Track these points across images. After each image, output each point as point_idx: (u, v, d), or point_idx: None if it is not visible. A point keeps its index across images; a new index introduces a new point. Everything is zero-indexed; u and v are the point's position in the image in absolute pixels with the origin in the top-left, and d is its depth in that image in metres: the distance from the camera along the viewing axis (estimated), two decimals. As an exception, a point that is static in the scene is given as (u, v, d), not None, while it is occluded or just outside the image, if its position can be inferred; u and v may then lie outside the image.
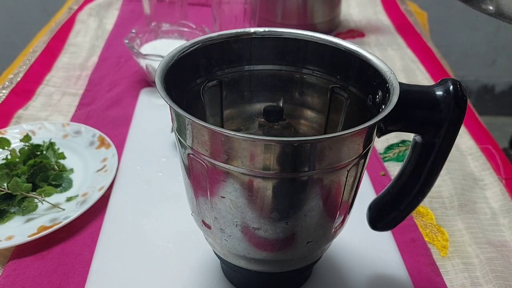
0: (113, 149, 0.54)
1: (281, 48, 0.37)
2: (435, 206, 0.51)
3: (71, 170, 0.53)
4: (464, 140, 0.61)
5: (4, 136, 0.56)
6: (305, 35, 0.36)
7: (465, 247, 0.46)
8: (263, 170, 0.27)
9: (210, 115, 0.38)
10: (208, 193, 0.31)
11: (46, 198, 0.48)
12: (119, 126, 0.61)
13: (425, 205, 0.51)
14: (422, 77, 0.75)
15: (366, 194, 0.50)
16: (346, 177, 0.30)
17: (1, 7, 1.72)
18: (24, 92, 0.69)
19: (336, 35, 0.73)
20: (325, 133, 0.39)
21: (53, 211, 0.47)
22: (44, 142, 0.54)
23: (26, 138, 0.54)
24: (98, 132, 0.57)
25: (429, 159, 0.33)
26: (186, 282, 0.41)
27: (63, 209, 0.47)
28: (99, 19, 0.93)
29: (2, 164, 0.50)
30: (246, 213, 0.30)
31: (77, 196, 0.49)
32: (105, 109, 0.65)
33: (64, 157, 0.54)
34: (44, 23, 0.96)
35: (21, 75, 0.72)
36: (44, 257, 0.43)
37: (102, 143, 0.56)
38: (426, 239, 0.47)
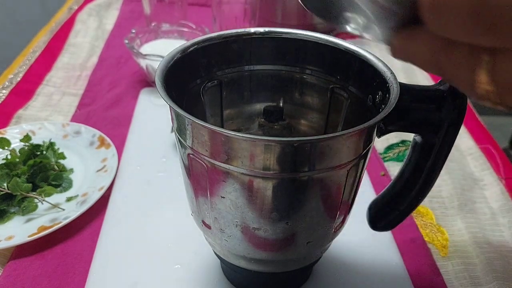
0: (113, 149, 0.54)
1: (281, 48, 0.37)
2: (435, 206, 0.51)
3: (71, 170, 0.53)
4: (464, 140, 0.61)
5: (4, 136, 0.56)
6: (305, 35, 0.36)
7: (465, 247, 0.46)
8: (263, 170, 0.27)
9: (210, 115, 0.38)
10: (208, 193, 0.30)
11: (46, 198, 0.48)
12: (119, 126, 0.61)
13: (425, 205, 0.51)
14: (422, 77, 0.75)
15: (366, 194, 0.50)
16: (346, 177, 0.30)
17: (1, 7, 1.72)
18: (24, 92, 0.69)
19: (336, 35, 0.73)
20: (325, 133, 0.39)
21: (53, 211, 0.47)
22: (44, 142, 0.54)
23: (26, 138, 0.54)
24: (98, 132, 0.57)
25: (429, 159, 0.33)
26: (186, 282, 0.41)
27: (63, 209, 0.47)
28: (99, 19, 0.93)
29: (2, 164, 0.50)
30: (246, 213, 0.30)
31: (77, 196, 0.49)
32: (105, 109, 0.65)
33: (64, 157, 0.54)
34: (44, 23, 0.96)
35: (21, 75, 0.72)
36: (44, 257, 0.43)
37: (102, 143, 0.56)
38: (426, 239, 0.47)
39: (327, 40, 0.36)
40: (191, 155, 0.30)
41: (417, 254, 0.45)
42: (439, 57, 0.18)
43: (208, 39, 0.35)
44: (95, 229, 0.46)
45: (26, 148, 0.52)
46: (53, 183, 0.50)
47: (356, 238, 0.45)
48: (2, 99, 0.66)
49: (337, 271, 0.42)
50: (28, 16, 1.72)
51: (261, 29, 0.37)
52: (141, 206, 0.49)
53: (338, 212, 0.32)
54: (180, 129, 0.30)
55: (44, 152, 0.53)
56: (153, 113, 0.64)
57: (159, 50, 0.69)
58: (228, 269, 0.40)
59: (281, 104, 0.40)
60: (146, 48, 0.71)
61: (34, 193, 0.48)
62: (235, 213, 0.30)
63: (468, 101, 0.32)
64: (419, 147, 0.33)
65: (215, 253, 0.38)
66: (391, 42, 0.20)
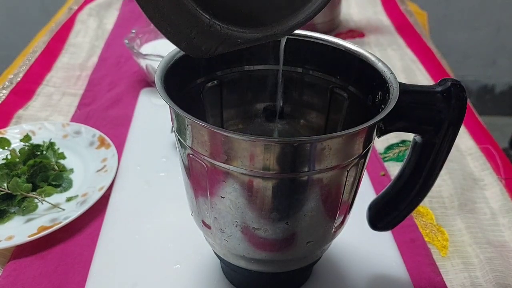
0: (113, 149, 0.54)
1: (281, 48, 0.37)
2: (435, 206, 0.51)
3: (71, 170, 0.53)
4: (464, 140, 0.61)
5: (4, 136, 0.56)
6: (305, 35, 0.36)
7: (465, 247, 0.46)
8: (263, 170, 0.27)
9: (210, 115, 0.38)
10: (208, 193, 0.30)
11: (46, 198, 0.48)
12: (119, 126, 0.61)
13: (425, 205, 0.51)
14: (422, 77, 0.75)
15: (366, 194, 0.50)
16: (346, 177, 0.30)
17: (1, 7, 1.72)
18: (24, 92, 0.69)
19: (336, 35, 0.73)
20: (325, 133, 0.39)
21: (53, 211, 0.47)
22: (44, 142, 0.54)
23: (26, 138, 0.54)
24: (98, 132, 0.57)
25: (429, 159, 0.33)
26: (186, 282, 0.41)
27: (63, 209, 0.47)
28: (99, 19, 0.93)
29: (2, 164, 0.50)
30: (246, 213, 0.30)
31: (77, 196, 0.49)
32: (105, 109, 0.65)
33: (64, 157, 0.54)
34: (44, 23, 0.96)
35: (21, 75, 0.72)
36: (44, 257, 0.43)
37: (102, 143, 0.56)
38: (426, 239, 0.47)
39: (327, 40, 0.36)
40: (191, 155, 0.30)
41: (417, 254, 0.45)
42: None
43: (208, 39, 0.35)
44: (95, 229, 0.46)
45: (26, 148, 0.52)
46: (53, 183, 0.50)
47: (356, 238, 0.45)
48: (2, 99, 0.66)
49: (337, 271, 0.42)
50: (28, 16, 1.72)
51: (261, 29, 0.37)
52: (141, 206, 0.49)
53: (338, 212, 0.32)
54: (180, 129, 0.30)
55: (44, 152, 0.53)
56: (153, 113, 0.64)
57: (159, 50, 0.69)
58: (228, 269, 0.40)
59: (281, 104, 0.40)
60: (146, 48, 0.71)
61: (34, 193, 0.48)
62: (235, 213, 0.30)
63: (468, 101, 0.32)
64: (419, 147, 0.33)
65: (215, 253, 0.38)
66: None
